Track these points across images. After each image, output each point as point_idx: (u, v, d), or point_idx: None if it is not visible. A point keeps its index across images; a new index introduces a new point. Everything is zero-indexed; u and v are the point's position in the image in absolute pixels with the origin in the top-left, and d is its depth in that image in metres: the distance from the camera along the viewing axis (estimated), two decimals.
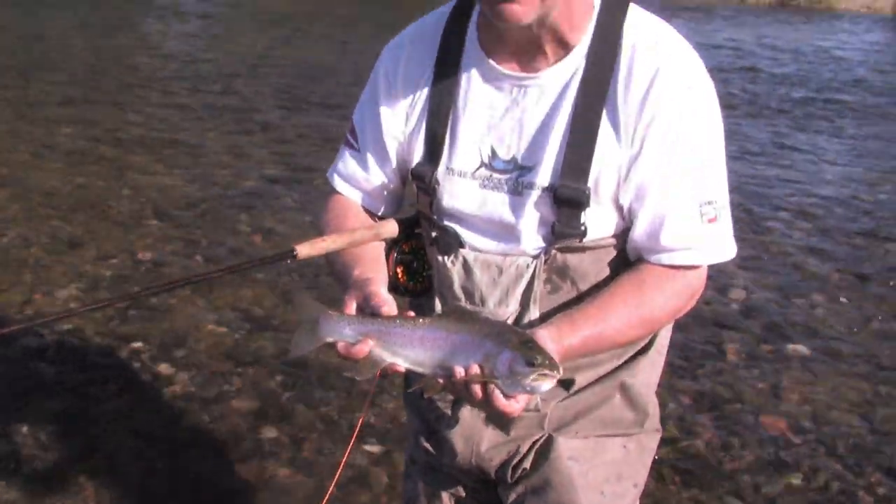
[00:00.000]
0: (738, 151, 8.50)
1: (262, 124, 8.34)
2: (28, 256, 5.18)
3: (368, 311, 1.63)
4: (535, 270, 1.76)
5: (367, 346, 1.60)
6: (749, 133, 9.37)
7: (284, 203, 6.31)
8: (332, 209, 1.96)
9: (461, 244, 1.83)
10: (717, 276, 5.31)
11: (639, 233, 1.73)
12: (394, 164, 1.89)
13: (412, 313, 1.65)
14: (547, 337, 1.62)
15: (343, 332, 1.62)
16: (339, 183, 1.96)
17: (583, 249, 1.76)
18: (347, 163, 1.94)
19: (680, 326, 4.54)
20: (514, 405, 1.57)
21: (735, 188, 7.13)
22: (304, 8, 16.10)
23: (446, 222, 1.84)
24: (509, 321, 1.81)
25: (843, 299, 5.40)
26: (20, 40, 11.55)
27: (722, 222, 1.73)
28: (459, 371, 1.55)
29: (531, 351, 1.52)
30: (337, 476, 2.37)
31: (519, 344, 1.54)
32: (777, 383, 4.34)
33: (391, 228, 1.90)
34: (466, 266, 1.83)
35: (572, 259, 1.77)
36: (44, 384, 3.88)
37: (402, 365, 1.60)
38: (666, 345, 1.96)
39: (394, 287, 1.92)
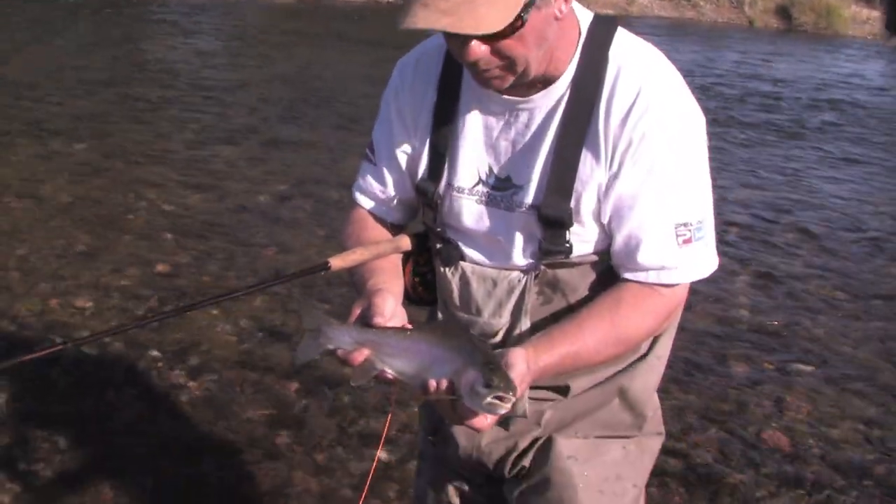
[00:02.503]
0: (745, 173, 8.59)
1: (272, 140, 8.45)
2: (43, 267, 5.25)
3: (368, 319, 1.71)
4: (525, 285, 1.85)
5: (363, 355, 1.68)
6: (754, 156, 9.44)
7: (296, 217, 6.40)
8: (354, 221, 2.05)
9: (462, 257, 1.92)
10: (723, 295, 5.39)
11: (616, 251, 1.80)
12: (407, 176, 1.98)
13: (407, 324, 1.73)
14: (521, 357, 1.66)
15: (342, 340, 1.71)
16: (359, 196, 2.06)
17: (571, 265, 1.83)
18: (366, 177, 2.04)
19: (686, 342, 4.66)
20: (482, 421, 1.64)
21: (741, 209, 7.14)
22: (311, 28, 16.20)
23: (449, 235, 1.93)
24: (502, 331, 1.90)
25: (847, 319, 5.46)
26: (31, 58, 11.64)
27: (698, 243, 1.77)
28: (432, 384, 1.63)
29: (491, 372, 1.56)
30: (368, 482, 2.37)
31: (483, 364, 1.58)
32: (781, 400, 4.41)
33: (409, 242, 1.99)
34: (464, 278, 1.91)
35: (562, 273, 1.84)
36: (61, 390, 3.96)
37: (389, 373, 1.68)
38: (666, 353, 2.02)
39: (410, 296, 2.02)
